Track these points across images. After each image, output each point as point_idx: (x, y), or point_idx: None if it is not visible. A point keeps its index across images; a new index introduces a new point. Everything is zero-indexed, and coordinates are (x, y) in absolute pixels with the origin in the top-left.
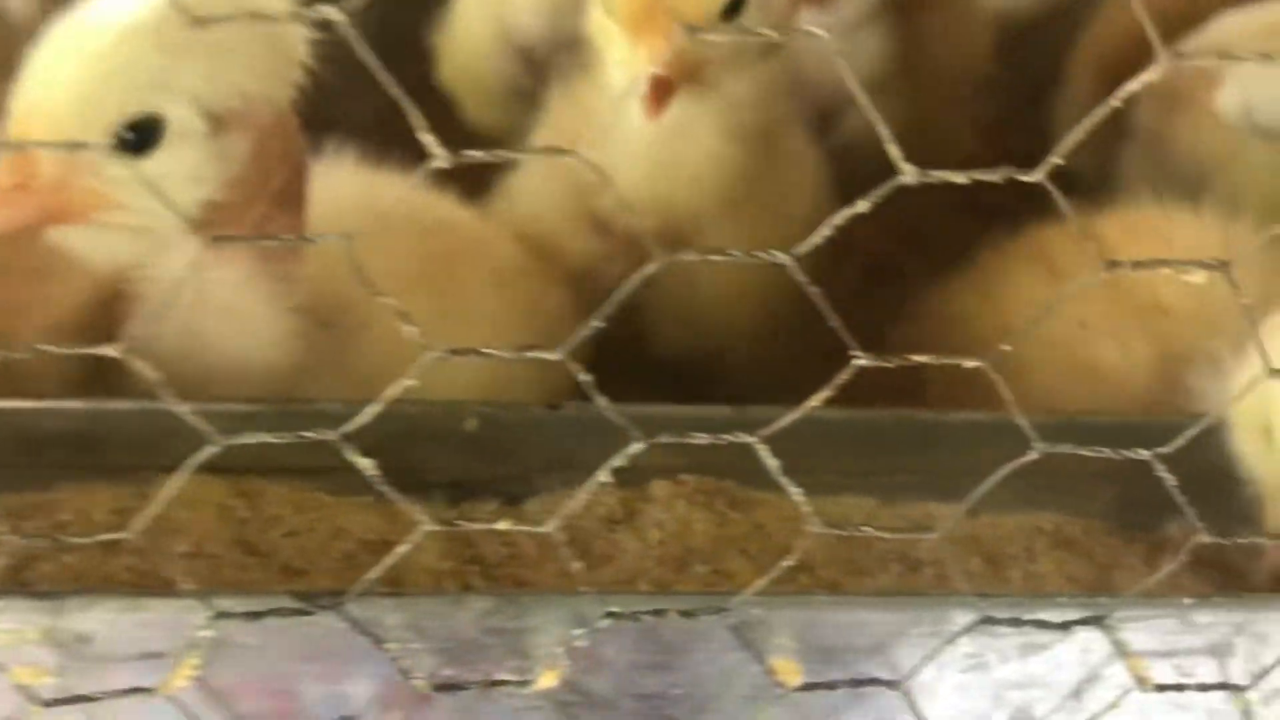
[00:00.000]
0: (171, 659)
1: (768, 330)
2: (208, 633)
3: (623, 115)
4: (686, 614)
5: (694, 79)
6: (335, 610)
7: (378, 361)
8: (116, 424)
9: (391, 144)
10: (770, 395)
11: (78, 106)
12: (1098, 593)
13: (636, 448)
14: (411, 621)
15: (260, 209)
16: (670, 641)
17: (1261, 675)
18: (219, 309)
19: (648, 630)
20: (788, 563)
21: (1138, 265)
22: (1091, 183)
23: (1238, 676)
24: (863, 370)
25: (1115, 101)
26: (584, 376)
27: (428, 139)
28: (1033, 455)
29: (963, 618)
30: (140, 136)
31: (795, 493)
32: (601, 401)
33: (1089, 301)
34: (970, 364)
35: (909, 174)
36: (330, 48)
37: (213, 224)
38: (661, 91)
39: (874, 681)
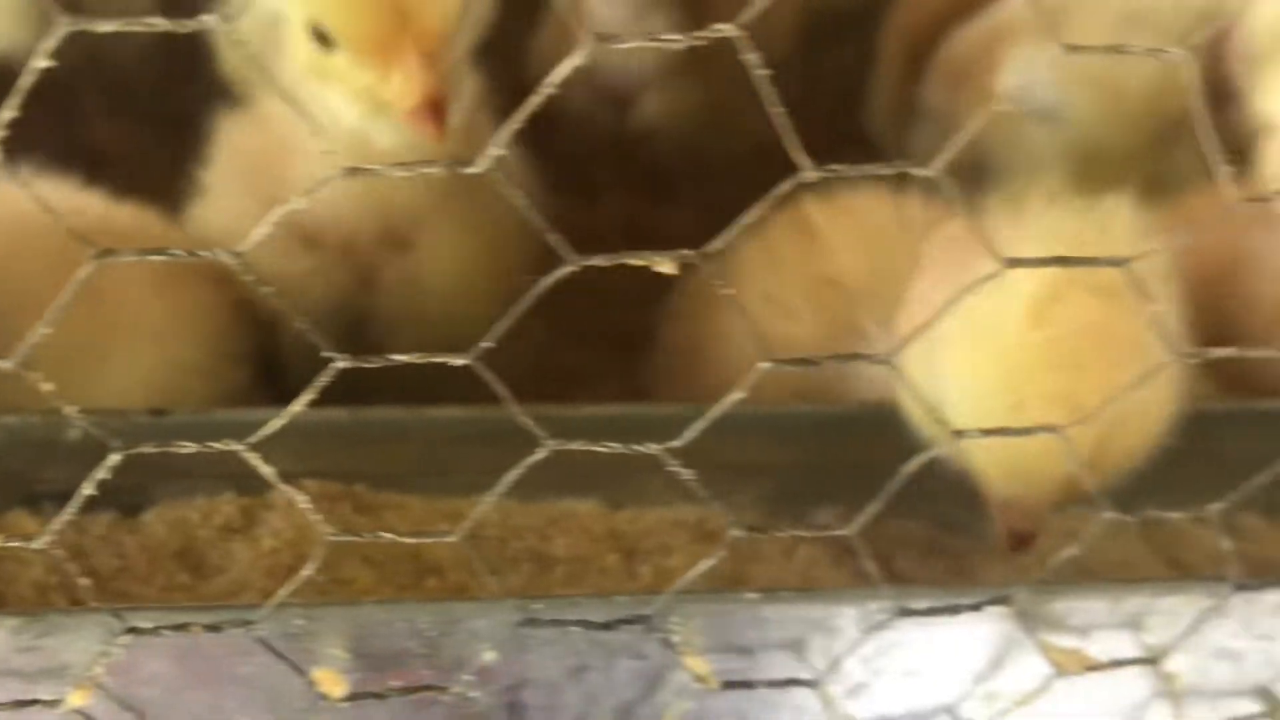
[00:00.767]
0: None
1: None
2: None
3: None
4: (212, 628)
5: (453, 89)
6: None
7: None
8: None
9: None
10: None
11: None
12: (733, 587)
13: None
14: None
15: None
16: (212, 657)
17: (833, 666)
18: None
19: (180, 644)
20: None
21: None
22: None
23: (817, 669)
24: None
25: None
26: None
27: None
28: (542, 454)
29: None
30: None
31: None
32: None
33: (776, 276)
34: (457, 361)
35: (807, 170)
36: None
37: None
38: (438, 110)
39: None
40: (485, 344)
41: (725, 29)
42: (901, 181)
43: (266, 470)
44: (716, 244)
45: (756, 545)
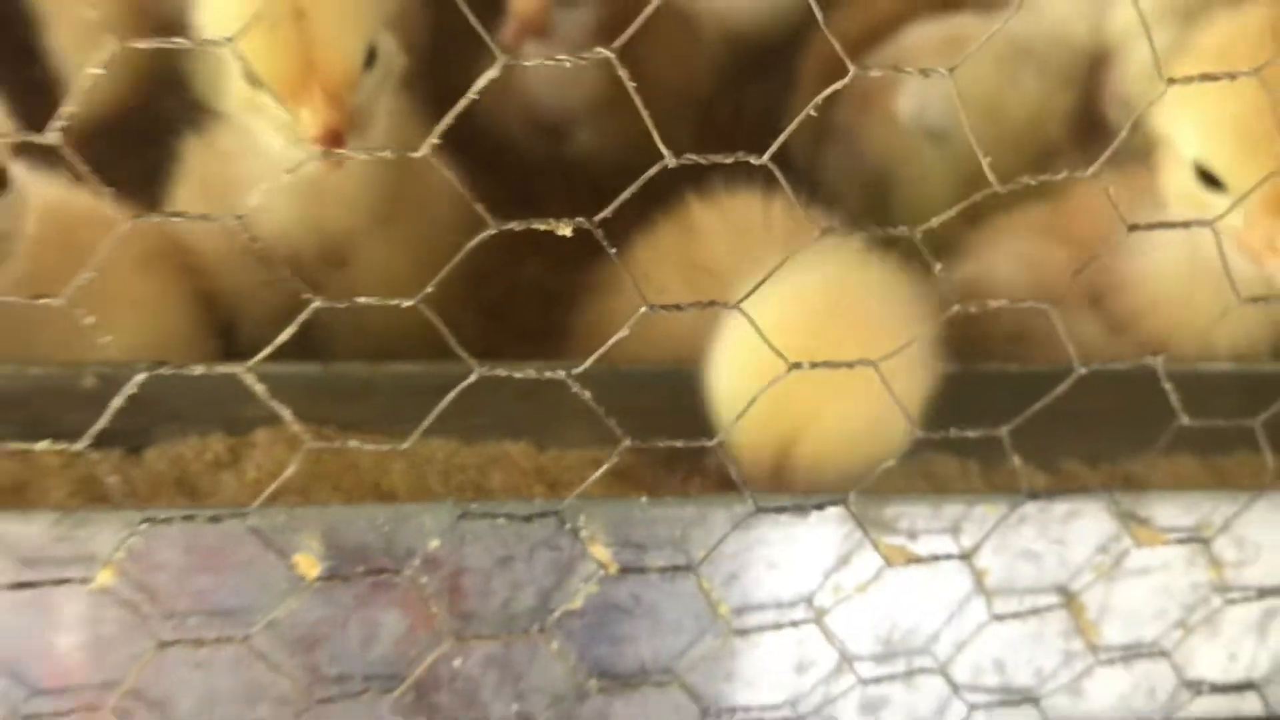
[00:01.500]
0: None
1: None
2: None
3: (272, 159)
4: (213, 519)
5: (355, 123)
6: None
7: None
8: None
9: None
10: None
11: None
12: None
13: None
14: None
15: None
16: (211, 547)
17: (708, 557)
18: None
19: (189, 532)
20: None
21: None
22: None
23: (694, 559)
24: None
25: (811, 110)
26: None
27: None
28: (473, 377)
29: None
30: None
31: None
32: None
33: (657, 259)
34: (407, 303)
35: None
36: None
37: None
38: (335, 144)
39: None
40: (428, 290)
41: (603, 51)
42: (770, 184)
43: (259, 389)
44: (605, 213)
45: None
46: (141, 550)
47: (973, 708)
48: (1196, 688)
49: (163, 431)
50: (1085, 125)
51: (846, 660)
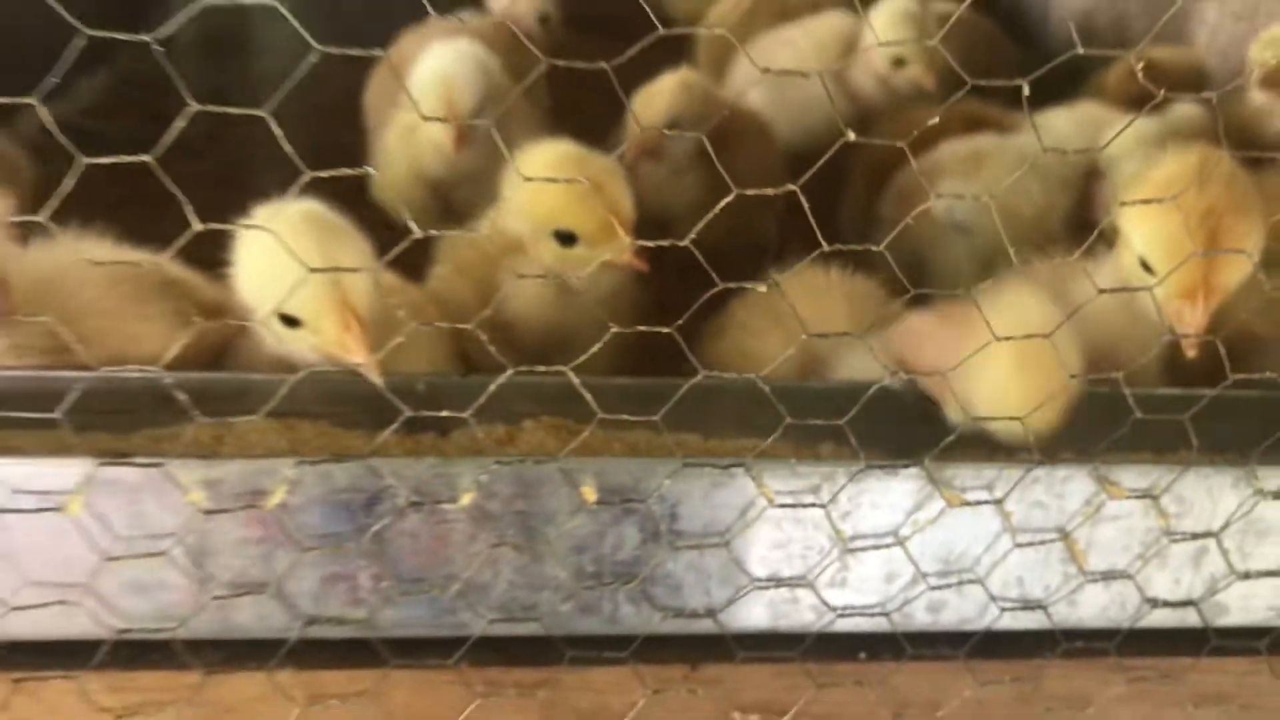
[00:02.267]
0: None
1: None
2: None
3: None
4: (538, 462)
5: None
6: None
7: None
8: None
9: None
10: None
11: None
12: None
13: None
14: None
15: None
16: (528, 480)
17: (834, 498)
18: None
19: (518, 473)
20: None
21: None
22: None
23: (822, 500)
24: None
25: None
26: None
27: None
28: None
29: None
30: None
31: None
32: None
33: (759, 315)
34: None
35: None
36: None
37: None
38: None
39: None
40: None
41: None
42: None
43: (588, 394)
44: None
45: None
46: (486, 483)
47: (1002, 610)
48: (1153, 603)
49: (457, 422)
50: (1078, 222)
51: (920, 573)
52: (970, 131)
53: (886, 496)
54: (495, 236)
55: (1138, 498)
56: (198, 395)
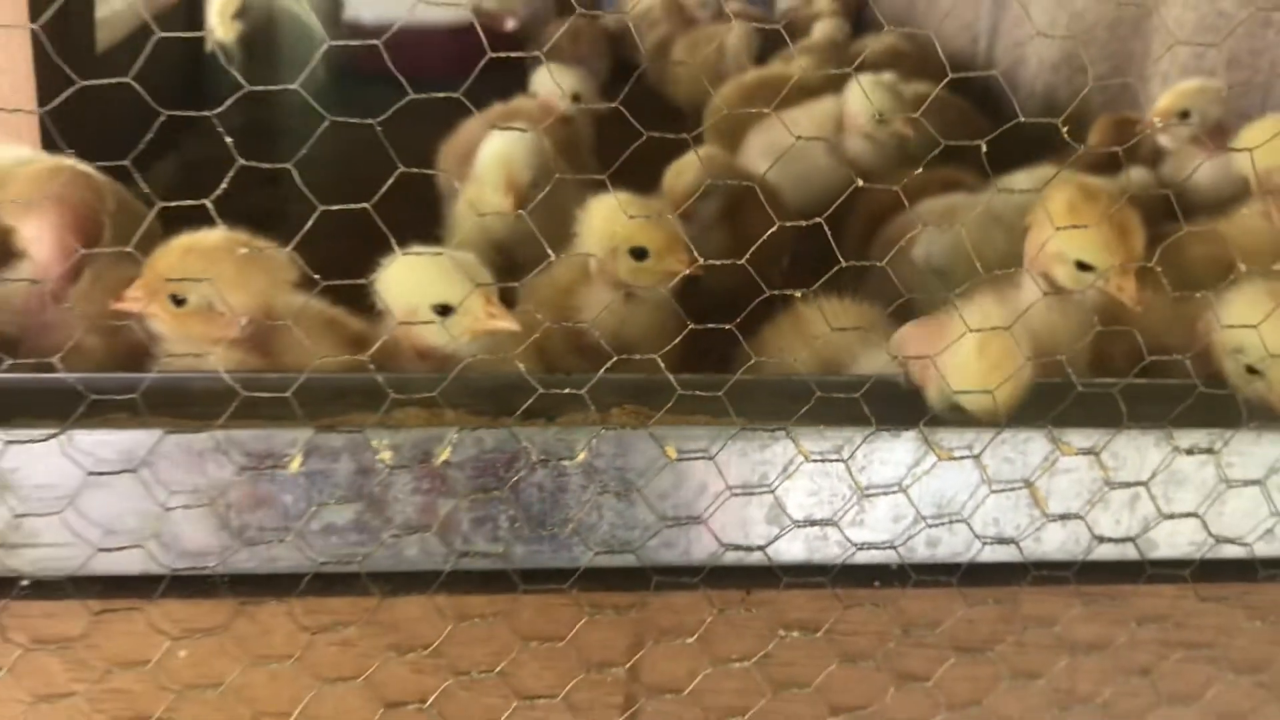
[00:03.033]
0: None
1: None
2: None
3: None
4: (634, 428)
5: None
6: None
7: None
8: None
9: None
10: None
11: None
12: None
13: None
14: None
15: None
16: (625, 442)
17: (853, 453)
18: None
19: (618, 436)
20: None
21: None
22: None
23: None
24: None
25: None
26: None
27: None
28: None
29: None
30: None
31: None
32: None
33: (786, 336)
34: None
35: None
36: None
37: None
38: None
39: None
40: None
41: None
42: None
43: (676, 384)
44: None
45: None
46: (595, 445)
47: (984, 545)
48: (1100, 539)
49: (562, 409)
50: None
51: (919, 515)
52: (946, 192)
53: (893, 454)
54: (565, 274)
55: (1084, 454)
56: (371, 391)
